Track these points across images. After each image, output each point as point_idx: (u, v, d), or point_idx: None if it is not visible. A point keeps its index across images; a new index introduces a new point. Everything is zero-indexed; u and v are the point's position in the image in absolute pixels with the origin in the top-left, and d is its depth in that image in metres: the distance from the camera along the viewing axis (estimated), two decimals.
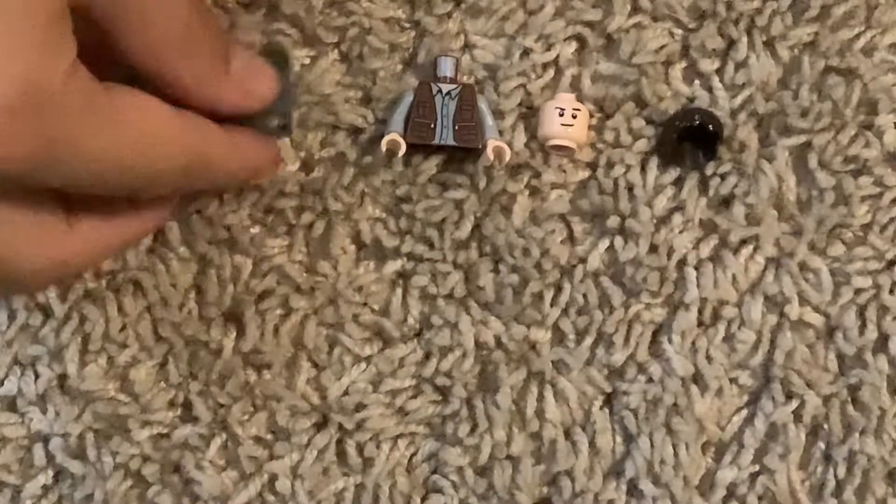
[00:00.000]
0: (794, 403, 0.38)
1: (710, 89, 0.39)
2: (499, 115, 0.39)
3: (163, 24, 0.31)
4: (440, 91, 0.38)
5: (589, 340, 0.39)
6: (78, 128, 0.29)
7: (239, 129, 0.35)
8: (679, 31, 0.40)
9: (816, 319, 0.38)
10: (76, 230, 0.33)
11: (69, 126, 0.29)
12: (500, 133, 0.39)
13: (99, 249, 0.34)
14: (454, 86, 0.38)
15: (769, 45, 0.39)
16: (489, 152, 0.38)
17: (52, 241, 0.33)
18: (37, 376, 0.39)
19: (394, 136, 0.38)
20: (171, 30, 0.32)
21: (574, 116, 0.38)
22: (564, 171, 0.39)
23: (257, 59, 0.35)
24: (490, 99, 0.39)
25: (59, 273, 0.34)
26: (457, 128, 0.38)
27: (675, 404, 0.38)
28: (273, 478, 0.38)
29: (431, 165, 0.39)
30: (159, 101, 0.32)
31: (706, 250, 0.39)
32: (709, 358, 0.38)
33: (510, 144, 0.39)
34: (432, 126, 0.38)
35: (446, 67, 0.39)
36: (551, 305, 0.39)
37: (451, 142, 0.38)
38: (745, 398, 0.39)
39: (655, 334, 0.39)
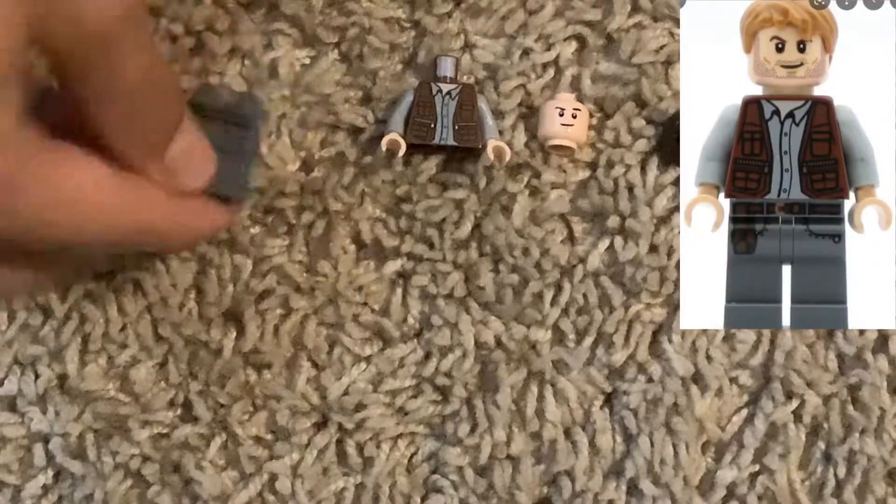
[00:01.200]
0: (794, 403, 0.38)
1: None
2: (499, 115, 0.39)
3: (110, 93, 0.31)
4: (440, 91, 0.38)
5: (589, 340, 0.39)
6: (20, 183, 0.29)
7: (188, 195, 0.34)
8: (679, 31, 0.40)
9: None
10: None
11: (10, 180, 0.29)
12: (500, 133, 0.39)
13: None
14: (454, 86, 0.38)
15: None
16: (489, 152, 0.38)
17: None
18: (37, 376, 0.39)
19: (394, 135, 0.38)
20: (116, 102, 0.32)
21: (574, 116, 0.38)
22: (564, 171, 0.39)
23: (199, 144, 0.35)
24: (490, 99, 0.39)
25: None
26: (457, 128, 0.38)
27: (675, 404, 0.38)
28: (273, 478, 0.38)
29: (431, 165, 0.39)
30: (103, 165, 0.32)
31: None
32: (709, 358, 0.38)
33: (510, 144, 0.39)
34: (432, 126, 0.38)
35: (446, 67, 0.39)
36: (551, 305, 0.39)
37: (451, 142, 0.38)
38: (745, 398, 0.39)
39: (655, 334, 0.39)
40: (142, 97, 0.32)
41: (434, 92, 0.38)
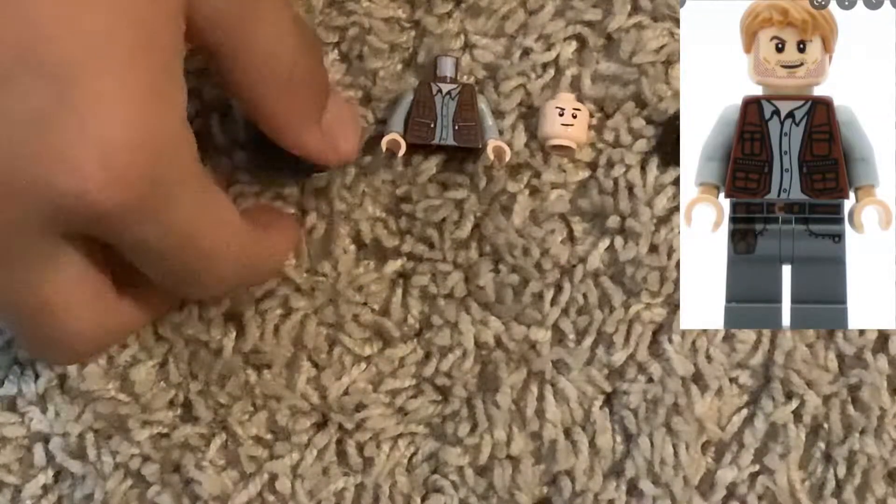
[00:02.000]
0: (794, 403, 0.38)
1: None
2: (499, 115, 0.39)
3: (268, 61, 0.32)
4: (440, 91, 0.38)
5: (589, 340, 0.39)
6: (180, 189, 0.29)
7: (277, 230, 0.36)
8: (679, 31, 0.40)
9: None
10: (124, 299, 0.33)
11: (173, 184, 0.29)
12: (500, 133, 0.39)
13: (141, 319, 0.35)
14: (454, 85, 0.38)
15: None
16: (489, 152, 0.38)
17: (104, 307, 0.32)
18: (37, 376, 0.39)
19: (394, 135, 0.38)
20: (275, 69, 0.32)
21: (574, 116, 0.38)
22: (564, 171, 0.39)
23: (348, 107, 0.36)
24: (490, 99, 0.39)
25: (103, 342, 0.34)
26: (457, 127, 0.38)
27: (675, 404, 0.38)
28: (273, 477, 0.38)
29: (431, 165, 0.39)
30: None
31: None
32: (709, 358, 0.38)
33: (510, 144, 0.39)
34: (432, 126, 0.38)
35: (446, 67, 0.39)
36: (551, 305, 0.39)
37: (451, 142, 0.38)
38: (745, 398, 0.39)
39: (655, 334, 0.39)
40: (299, 57, 0.32)
41: (434, 92, 0.38)
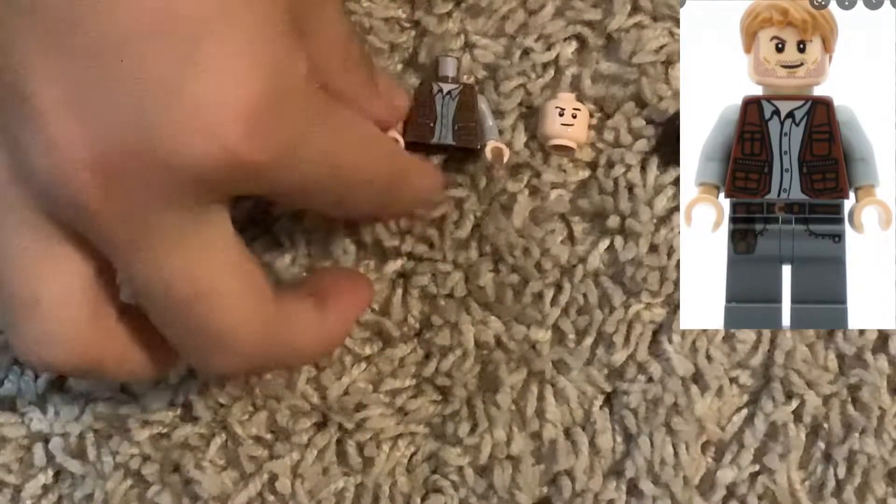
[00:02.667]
0: (794, 403, 0.38)
1: None
2: (499, 115, 0.39)
3: (331, 38, 0.32)
4: (441, 90, 0.38)
5: (589, 340, 0.39)
6: (314, 130, 0.29)
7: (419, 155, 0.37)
8: (679, 31, 0.40)
9: None
10: (326, 315, 0.34)
11: (307, 127, 0.29)
12: (501, 132, 0.39)
13: (345, 328, 0.35)
14: (455, 86, 0.38)
15: None
16: (487, 153, 0.38)
17: (317, 329, 0.33)
18: (37, 376, 0.39)
19: (392, 133, 0.38)
20: (337, 45, 0.33)
21: (574, 116, 0.38)
22: (564, 171, 0.39)
23: (393, 80, 0.38)
24: (490, 99, 0.39)
25: (322, 355, 0.36)
26: (456, 128, 0.38)
27: (675, 404, 0.38)
28: (273, 477, 0.38)
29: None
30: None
31: None
32: (709, 357, 0.38)
33: (510, 144, 0.39)
34: (432, 125, 0.38)
35: (448, 67, 0.39)
36: (551, 305, 0.39)
37: (450, 141, 0.38)
38: (746, 398, 0.39)
39: (655, 334, 0.39)
40: (353, 36, 0.34)
41: (434, 91, 0.38)
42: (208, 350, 0.30)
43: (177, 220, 0.28)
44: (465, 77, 0.40)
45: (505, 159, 0.38)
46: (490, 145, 0.38)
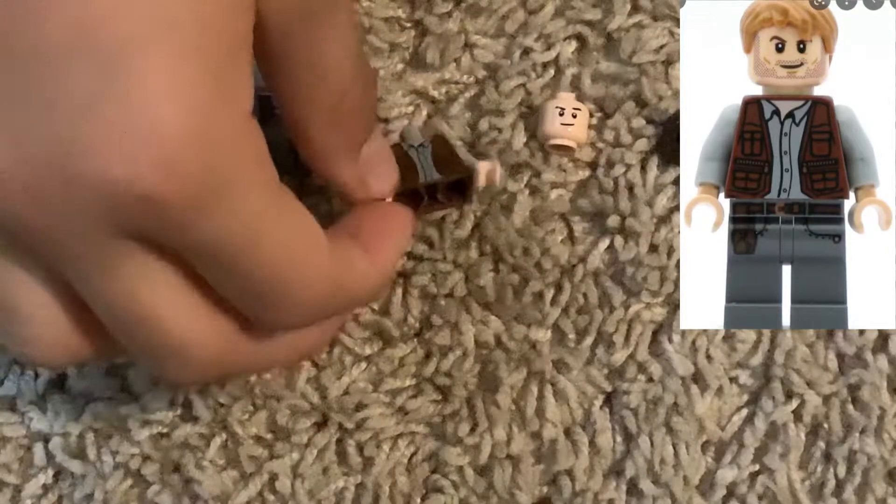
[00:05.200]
0: (795, 403, 0.38)
1: None
2: (499, 114, 0.39)
3: (324, 81, 0.30)
4: (412, 146, 0.37)
5: (589, 340, 0.39)
6: (243, 182, 0.27)
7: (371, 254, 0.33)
8: (679, 31, 0.40)
9: None
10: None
11: (234, 175, 0.27)
12: (499, 132, 0.39)
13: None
14: (424, 139, 0.38)
15: None
16: (481, 179, 0.37)
17: (214, 323, 0.30)
18: (37, 376, 0.39)
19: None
20: (329, 91, 0.31)
21: (574, 116, 0.38)
22: (564, 171, 0.39)
23: (385, 149, 0.35)
24: (490, 98, 0.39)
25: (225, 356, 0.32)
26: (440, 168, 0.37)
27: (675, 404, 0.38)
28: (273, 477, 0.38)
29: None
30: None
31: None
32: (709, 357, 0.38)
33: (510, 144, 0.39)
34: (416, 169, 0.37)
35: (412, 136, 0.38)
36: (551, 305, 0.39)
37: (436, 177, 0.36)
38: (746, 397, 0.39)
39: (655, 334, 0.39)
40: (354, 85, 0.31)
41: (406, 148, 0.37)
42: (163, 366, 0.30)
43: (104, 245, 0.27)
44: (465, 77, 0.40)
45: (498, 177, 0.38)
46: (484, 169, 0.37)
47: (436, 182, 0.36)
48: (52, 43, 0.25)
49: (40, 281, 0.29)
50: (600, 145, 0.39)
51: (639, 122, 0.39)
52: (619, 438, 0.38)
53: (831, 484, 0.38)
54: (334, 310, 0.32)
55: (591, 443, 0.38)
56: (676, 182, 0.39)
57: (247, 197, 0.27)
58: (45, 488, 0.39)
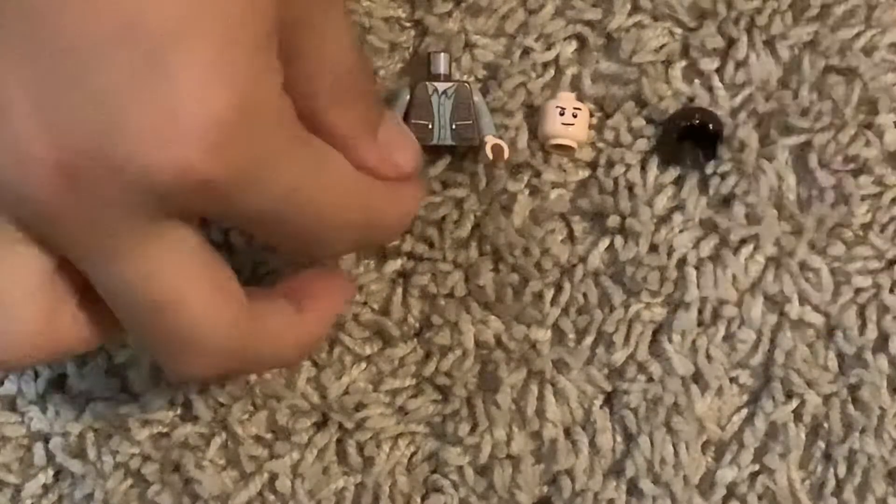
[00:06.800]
0: (795, 403, 0.38)
1: (710, 88, 0.39)
2: (506, 113, 0.39)
3: (332, 68, 0.31)
4: (436, 90, 0.38)
5: (589, 340, 0.39)
6: (283, 158, 0.28)
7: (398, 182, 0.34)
8: (679, 31, 0.40)
9: (816, 319, 0.38)
10: (303, 316, 0.33)
11: (274, 153, 0.28)
12: (505, 129, 0.39)
13: (322, 329, 0.34)
14: (450, 84, 0.38)
15: (769, 44, 0.39)
16: (488, 151, 0.38)
17: (293, 331, 0.32)
18: (37, 375, 0.39)
19: None
20: (338, 77, 0.31)
21: (574, 116, 0.38)
22: (565, 171, 0.39)
23: (406, 132, 0.35)
24: (495, 96, 0.39)
25: (300, 357, 0.34)
26: (454, 126, 0.38)
27: (675, 403, 0.38)
28: (273, 477, 0.38)
29: (431, 164, 0.39)
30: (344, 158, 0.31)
31: (706, 250, 0.39)
32: (709, 357, 0.38)
33: (513, 143, 0.39)
34: (430, 127, 0.38)
35: (440, 64, 0.38)
36: (551, 305, 0.39)
37: (449, 141, 0.38)
38: (746, 397, 0.39)
39: (655, 334, 0.39)
40: (358, 67, 0.32)
41: (430, 92, 0.38)
42: (176, 356, 0.30)
43: (137, 228, 0.27)
44: (465, 76, 0.40)
45: (505, 156, 0.38)
46: (490, 142, 0.38)
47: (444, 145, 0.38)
48: (95, 30, 0.26)
49: (26, 274, 0.29)
50: (600, 145, 0.39)
51: (639, 122, 0.39)
52: (619, 438, 0.38)
53: (831, 484, 0.38)
54: (371, 239, 0.34)
55: (591, 443, 0.38)
56: (676, 182, 0.39)
57: (288, 167, 0.28)
58: (45, 488, 0.39)
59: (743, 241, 0.39)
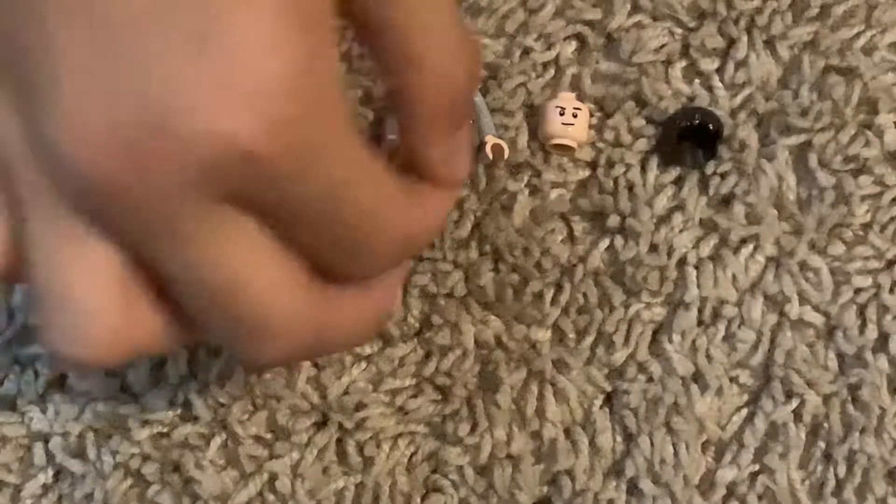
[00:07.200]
0: (795, 402, 0.38)
1: (710, 88, 0.39)
2: (506, 113, 0.39)
3: (425, 39, 0.29)
4: None
5: (589, 340, 0.39)
6: (337, 140, 0.27)
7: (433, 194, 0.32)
8: (679, 31, 0.40)
9: (816, 319, 0.38)
10: (370, 292, 0.32)
11: (330, 134, 0.27)
12: (505, 129, 0.39)
13: (391, 300, 0.34)
14: None
15: (769, 44, 0.39)
16: (488, 151, 0.38)
17: (365, 302, 0.31)
18: (37, 376, 0.39)
19: (393, 138, 0.38)
20: (434, 54, 0.30)
21: (575, 115, 0.38)
22: (565, 171, 0.39)
23: (469, 142, 0.34)
24: (495, 96, 0.39)
25: (370, 333, 0.34)
26: None
27: (675, 403, 0.38)
28: (273, 477, 0.38)
29: None
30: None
31: (706, 249, 0.39)
32: (709, 357, 0.38)
33: (513, 143, 0.39)
34: None
35: None
36: (551, 305, 0.39)
37: None
38: (746, 397, 0.39)
39: (655, 333, 0.39)
40: (458, 48, 0.30)
41: None
42: (249, 341, 0.29)
43: (198, 210, 0.27)
44: None
45: (506, 156, 0.38)
46: (490, 142, 0.38)
47: None
48: (145, 3, 0.25)
49: (100, 268, 0.28)
50: (600, 145, 0.39)
51: (639, 122, 0.39)
52: (619, 438, 0.38)
53: (831, 484, 0.38)
54: (405, 252, 0.32)
55: (591, 443, 0.38)
56: (676, 182, 0.39)
57: (338, 154, 0.27)
58: (45, 488, 0.39)
59: (743, 241, 0.39)
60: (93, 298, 0.28)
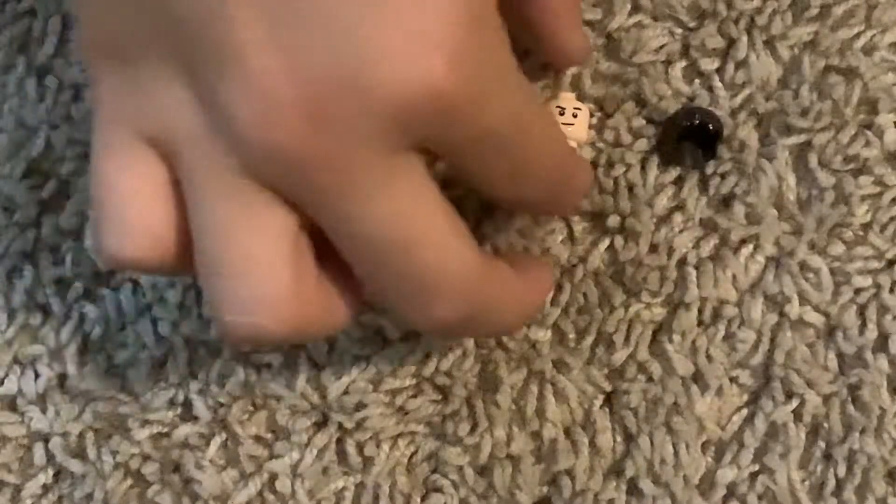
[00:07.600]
0: (795, 403, 0.38)
1: (710, 88, 0.39)
2: None
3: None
4: None
5: (589, 340, 0.39)
6: (508, 70, 0.28)
7: None
8: (679, 31, 0.40)
9: (816, 319, 0.38)
10: (527, 281, 0.33)
11: (502, 65, 0.28)
12: None
13: (543, 294, 0.35)
14: None
15: (769, 44, 0.39)
16: None
17: (521, 289, 0.32)
18: (37, 376, 0.39)
19: None
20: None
21: (575, 115, 0.38)
22: None
23: None
24: None
25: (520, 323, 0.35)
26: None
27: (675, 403, 0.38)
28: (273, 477, 0.38)
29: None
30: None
31: (706, 249, 0.39)
32: (709, 357, 0.38)
33: None
34: None
35: None
36: (551, 305, 0.39)
37: None
38: (746, 397, 0.39)
39: (656, 334, 0.39)
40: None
41: None
42: (426, 297, 0.29)
43: (382, 162, 0.27)
44: None
45: None
46: None
47: None
48: None
49: (275, 240, 0.28)
50: (600, 145, 0.39)
51: (639, 122, 0.39)
52: (619, 438, 0.38)
53: (831, 484, 0.38)
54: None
55: (591, 443, 0.38)
56: (676, 182, 0.39)
57: (513, 87, 0.28)
58: (45, 488, 0.39)
59: (743, 241, 0.39)
60: (271, 265, 0.28)
